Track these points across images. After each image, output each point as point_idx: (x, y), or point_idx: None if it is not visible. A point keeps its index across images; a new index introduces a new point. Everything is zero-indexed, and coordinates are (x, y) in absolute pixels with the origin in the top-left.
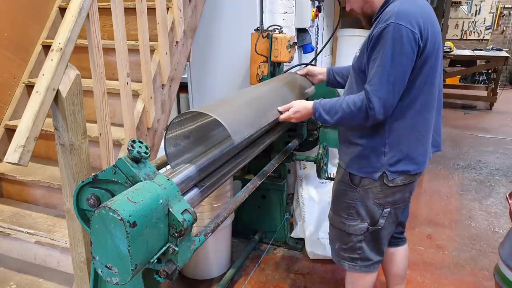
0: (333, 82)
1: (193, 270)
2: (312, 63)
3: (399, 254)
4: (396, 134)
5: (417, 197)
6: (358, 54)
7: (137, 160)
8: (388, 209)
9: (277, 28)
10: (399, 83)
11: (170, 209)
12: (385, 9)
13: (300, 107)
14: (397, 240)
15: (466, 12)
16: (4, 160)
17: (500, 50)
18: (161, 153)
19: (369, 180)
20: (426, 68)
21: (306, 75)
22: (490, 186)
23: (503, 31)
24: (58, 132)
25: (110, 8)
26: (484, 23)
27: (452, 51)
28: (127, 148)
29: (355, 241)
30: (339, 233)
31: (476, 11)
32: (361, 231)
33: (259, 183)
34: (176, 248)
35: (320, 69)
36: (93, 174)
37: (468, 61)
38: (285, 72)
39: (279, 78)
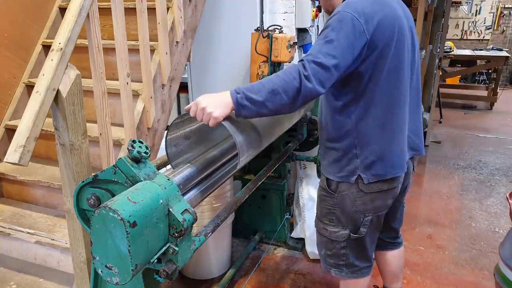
0: None
1: (193, 270)
2: None
3: (394, 256)
4: (364, 134)
5: (417, 197)
6: None
7: (137, 160)
8: (370, 217)
9: (277, 28)
10: (340, 57)
11: (170, 209)
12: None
13: (207, 100)
14: (391, 244)
15: (466, 12)
16: (4, 160)
17: (500, 50)
18: (161, 153)
19: (345, 185)
20: (384, 63)
21: None
22: (490, 186)
23: (504, 31)
24: (58, 132)
25: (110, 8)
26: (484, 23)
27: (453, 51)
28: (127, 148)
29: (338, 247)
30: (323, 239)
31: (477, 11)
32: (342, 238)
33: (259, 183)
34: (176, 248)
35: None
36: (93, 174)
37: (468, 61)
38: None
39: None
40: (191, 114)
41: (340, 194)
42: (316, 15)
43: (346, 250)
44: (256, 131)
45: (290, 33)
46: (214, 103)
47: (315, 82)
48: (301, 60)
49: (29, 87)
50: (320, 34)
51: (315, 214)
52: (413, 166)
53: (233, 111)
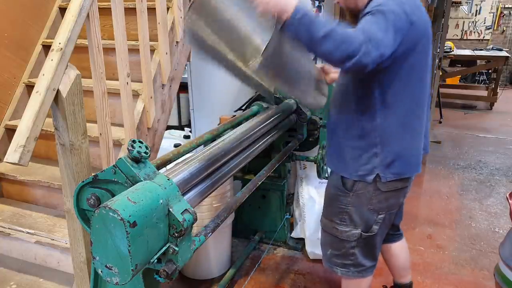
0: None
1: (193, 270)
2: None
3: (398, 247)
4: (387, 133)
5: (417, 197)
6: None
7: (137, 160)
8: (383, 215)
9: None
10: (391, 43)
11: (170, 209)
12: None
13: None
14: (392, 236)
15: (466, 12)
16: (4, 160)
17: (500, 50)
18: (161, 152)
19: (362, 184)
20: (411, 62)
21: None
22: (490, 186)
23: (504, 31)
24: (58, 132)
25: (110, 8)
26: (484, 23)
27: (453, 51)
28: (127, 148)
29: (348, 247)
30: (331, 239)
31: (476, 11)
32: (354, 237)
33: (259, 183)
34: (176, 248)
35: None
36: (93, 174)
37: (468, 61)
38: None
39: None
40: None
41: (356, 193)
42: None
43: (356, 249)
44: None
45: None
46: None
47: (369, 59)
48: (360, 31)
49: (29, 87)
50: (364, 16)
51: (322, 214)
52: None
53: (281, 19)
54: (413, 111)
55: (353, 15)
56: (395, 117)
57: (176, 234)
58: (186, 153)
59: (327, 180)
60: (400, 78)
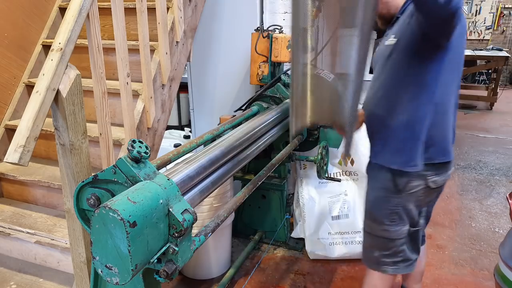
0: None
1: (193, 270)
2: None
3: (422, 249)
4: (435, 121)
5: None
6: (394, 41)
7: (137, 160)
8: (425, 208)
9: (277, 28)
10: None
11: (170, 209)
12: (410, 2)
13: None
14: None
15: (466, 12)
16: (4, 160)
17: (500, 50)
18: (161, 152)
19: (415, 182)
20: (455, 51)
21: None
22: (490, 186)
23: (504, 31)
24: (58, 132)
25: (110, 8)
26: (484, 23)
27: None
28: (127, 148)
29: (398, 245)
30: (380, 241)
31: (476, 11)
32: (403, 235)
33: (259, 183)
34: (176, 248)
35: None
36: (93, 174)
37: (468, 61)
38: (285, 72)
39: None
40: None
41: (408, 193)
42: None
43: (404, 245)
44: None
45: (290, 33)
46: None
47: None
48: None
49: (29, 87)
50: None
51: (366, 217)
52: None
53: None
54: (450, 101)
55: (385, 21)
56: (441, 106)
57: (176, 234)
58: (186, 153)
59: (327, 180)
60: (446, 67)
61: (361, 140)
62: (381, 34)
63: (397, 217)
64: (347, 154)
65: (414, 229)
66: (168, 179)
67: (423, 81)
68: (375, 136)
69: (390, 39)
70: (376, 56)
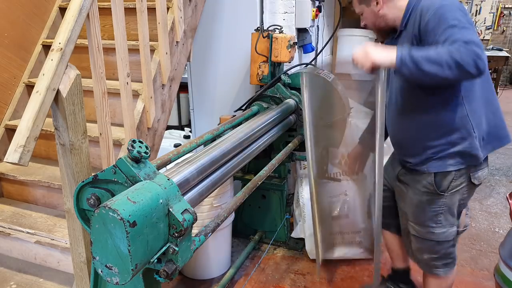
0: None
1: (193, 270)
2: (312, 63)
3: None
4: (476, 115)
5: None
6: None
7: (137, 160)
8: (468, 206)
9: (277, 28)
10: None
11: (170, 209)
12: (410, 13)
13: (374, 48)
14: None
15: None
16: (4, 160)
17: (500, 50)
18: (161, 152)
19: (458, 180)
20: None
21: None
22: (490, 186)
23: (504, 31)
24: (58, 132)
25: (110, 8)
26: (484, 23)
27: None
28: (127, 148)
29: (447, 246)
30: (427, 244)
31: (477, 11)
32: (451, 236)
33: (259, 183)
34: (176, 248)
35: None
36: (93, 174)
37: None
38: (285, 72)
39: None
40: (354, 54)
41: (451, 192)
42: (316, 15)
43: (454, 248)
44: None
45: (290, 33)
46: (379, 50)
47: (480, 64)
48: (456, 42)
49: (29, 87)
50: (426, 33)
51: (410, 221)
52: None
53: (391, 66)
54: (488, 88)
55: (384, 34)
56: (477, 98)
57: (176, 234)
58: (186, 153)
59: (327, 180)
60: None
61: None
62: (383, 37)
63: (443, 218)
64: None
65: (463, 229)
66: (168, 179)
67: (447, 94)
68: (411, 152)
69: None
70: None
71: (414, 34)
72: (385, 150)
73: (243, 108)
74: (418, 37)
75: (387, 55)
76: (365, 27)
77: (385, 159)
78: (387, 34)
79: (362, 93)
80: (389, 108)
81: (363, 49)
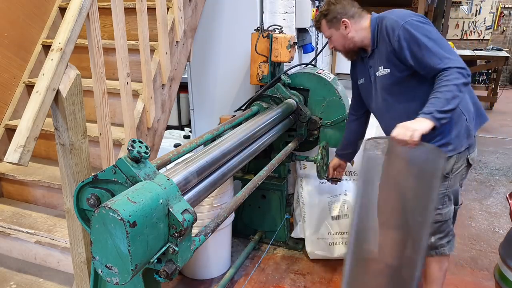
0: (349, 156)
1: (193, 270)
2: (312, 63)
3: None
4: (464, 100)
5: None
6: (386, 72)
7: (137, 160)
8: (462, 187)
9: (277, 28)
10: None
11: (170, 209)
12: (377, 33)
13: (409, 123)
14: None
15: (466, 12)
16: (4, 160)
17: (500, 50)
18: (161, 152)
19: (460, 162)
20: None
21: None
22: (490, 186)
23: (504, 31)
24: (58, 132)
25: (110, 8)
26: (484, 23)
27: None
28: (127, 148)
29: (449, 223)
30: (435, 226)
31: (476, 11)
32: (451, 214)
33: (259, 183)
34: (176, 248)
35: (335, 163)
36: (93, 174)
37: (468, 61)
38: (285, 72)
39: None
40: (393, 134)
41: (455, 174)
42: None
43: (452, 224)
44: None
45: (290, 33)
46: (416, 123)
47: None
48: (449, 68)
49: (29, 87)
50: (402, 53)
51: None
52: None
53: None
54: None
55: (353, 54)
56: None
57: (176, 234)
58: (186, 153)
59: (327, 180)
60: None
61: (361, 141)
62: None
63: (447, 198)
64: None
65: (457, 206)
66: (168, 179)
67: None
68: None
69: (380, 71)
70: (372, 86)
71: (391, 52)
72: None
73: (243, 108)
74: (395, 54)
75: (424, 124)
76: (334, 49)
77: None
78: (355, 54)
79: None
80: (381, 113)
81: (402, 128)
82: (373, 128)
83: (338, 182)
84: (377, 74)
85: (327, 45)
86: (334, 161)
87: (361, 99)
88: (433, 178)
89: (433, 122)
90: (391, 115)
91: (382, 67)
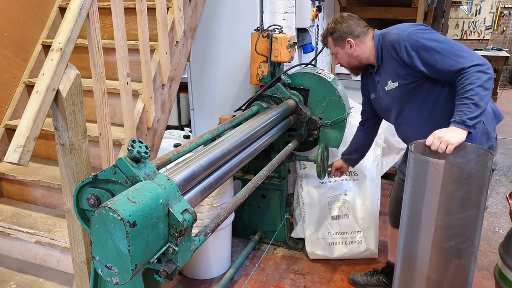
0: (353, 161)
1: (193, 270)
2: (312, 63)
3: None
4: None
5: None
6: (395, 85)
7: (137, 160)
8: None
9: (277, 28)
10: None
11: (170, 209)
12: (381, 50)
13: (444, 132)
14: None
15: (466, 12)
16: (4, 160)
17: (500, 50)
18: (161, 152)
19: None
20: None
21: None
22: (490, 186)
23: (503, 31)
24: (58, 132)
25: (110, 8)
26: (484, 23)
27: None
28: (127, 148)
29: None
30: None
31: (476, 11)
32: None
33: (259, 183)
34: (176, 248)
35: (338, 164)
36: (93, 174)
37: None
38: (285, 72)
39: None
40: (427, 142)
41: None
42: (316, 15)
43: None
44: None
45: (290, 33)
46: (449, 133)
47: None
48: (466, 68)
49: (29, 87)
50: (415, 66)
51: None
52: None
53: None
54: None
55: (358, 71)
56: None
57: (176, 234)
58: (186, 153)
59: (327, 180)
60: None
61: None
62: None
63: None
64: None
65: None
66: (168, 179)
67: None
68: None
69: (389, 85)
70: (383, 100)
71: (399, 65)
72: (385, 150)
73: (243, 108)
74: (405, 66)
75: (459, 135)
76: (340, 66)
77: (385, 160)
78: (360, 71)
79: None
80: (398, 123)
81: (437, 139)
82: (382, 127)
83: (337, 181)
84: (386, 89)
85: (333, 60)
86: (338, 162)
87: (372, 111)
88: (482, 180)
89: (467, 131)
90: (406, 125)
91: (390, 81)
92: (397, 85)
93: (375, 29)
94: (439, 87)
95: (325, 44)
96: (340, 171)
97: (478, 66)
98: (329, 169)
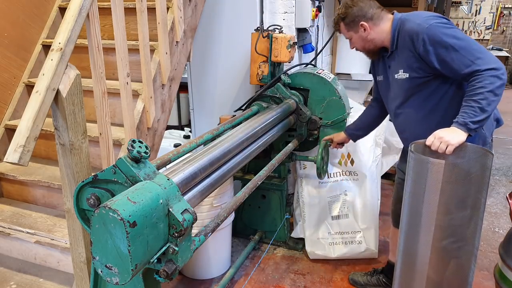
0: (356, 136)
1: (193, 270)
2: (312, 63)
3: None
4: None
5: None
6: (405, 76)
7: (137, 160)
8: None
9: (277, 28)
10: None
11: (170, 209)
12: (398, 34)
13: (444, 132)
14: None
15: (466, 12)
16: (4, 160)
17: (500, 50)
18: (161, 152)
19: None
20: None
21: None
22: (490, 186)
23: (503, 31)
24: (58, 132)
25: (110, 8)
26: (484, 23)
27: None
28: (127, 148)
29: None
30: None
31: (476, 11)
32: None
33: (259, 183)
34: (176, 248)
35: (340, 138)
36: (93, 174)
37: None
38: (285, 72)
39: None
40: (427, 142)
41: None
42: (316, 15)
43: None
44: None
45: (290, 33)
46: (450, 134)
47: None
48: (481, 71)
49: (29, 87)
50: (428, 57)
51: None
52: None
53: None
54: None
55: (374, 54)
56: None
57: (176, 234)
58: (186, 153)
59: (327, 180)
60: None
61: (361, 141)
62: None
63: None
64: None
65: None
66: (168, 179)
67: (455, 83)
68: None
69: (399, 74)
70: (390, 87)
71: (413, 56)
72: (385, 150)
73: (243, 108)
74: (419, 58)
75: (459, 136)
76: (356, 49)
77: (385, 160)
78: (376, 54)
79: (362, 93)
80: (396, 113)
81: (437, 139)
82: (382, 127)
83: (337, 181)
84: (396, 77)
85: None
86: (341, 135)
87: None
88: (482, 180)
89: (468, 133)
90: (405, 117)
91: (402, 70)
92: (407, 76)
93: (395, 12)
94: (446, 86)
95: (337, 30)
96: (340, 147)
97: (494, 71)
98: (330, 144)
